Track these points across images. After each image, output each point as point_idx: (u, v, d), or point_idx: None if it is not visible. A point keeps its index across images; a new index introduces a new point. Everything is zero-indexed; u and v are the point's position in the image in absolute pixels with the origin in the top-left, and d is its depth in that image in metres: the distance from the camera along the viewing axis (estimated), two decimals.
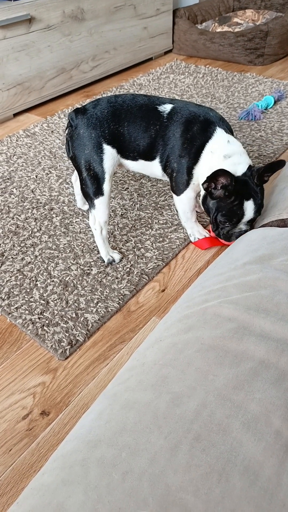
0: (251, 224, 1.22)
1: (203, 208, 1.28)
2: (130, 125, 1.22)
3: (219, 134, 1.21)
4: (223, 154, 1.19)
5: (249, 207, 1.17)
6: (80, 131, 1.21)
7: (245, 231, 1.21)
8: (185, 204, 1.33)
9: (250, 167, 1.18)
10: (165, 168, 1.29)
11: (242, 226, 1.22)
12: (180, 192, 1.30)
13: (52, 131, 2.12)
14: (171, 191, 1.34)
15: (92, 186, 1.23)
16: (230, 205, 1.17)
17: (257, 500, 0.45)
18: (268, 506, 0.44)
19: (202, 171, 1.23)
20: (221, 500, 0.45)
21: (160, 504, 0.46)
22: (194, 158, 1.23)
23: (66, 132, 1.26)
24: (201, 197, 1.27)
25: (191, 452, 0.49)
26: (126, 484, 0.48)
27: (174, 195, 1.34)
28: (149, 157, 1.27)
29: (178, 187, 1.29)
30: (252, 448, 0.49)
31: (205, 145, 1.22)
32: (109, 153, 1.22)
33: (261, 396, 0.54)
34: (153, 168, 1.30)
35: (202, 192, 1.25)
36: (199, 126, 1.21)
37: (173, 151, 1.23)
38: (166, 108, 1.23)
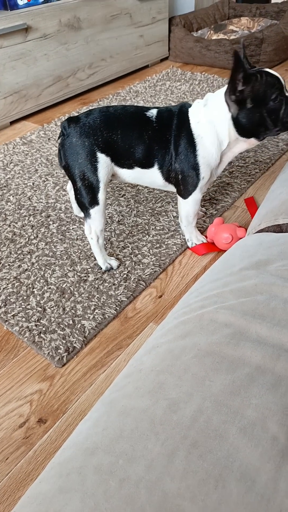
0: None
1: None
2: (123, 132, 1.22)
3: (193, 107, 1.25)
4: (203, 104, 1.24)
5: (274, 73, 1.16)
6: (73, 140, 1.21)
7: None
8: (191, 207, 1.33)
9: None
10: (168, 175, 1.28)
11: None
12: (188, 194, 1.30)
13: (48, 139, 2.13)
14: (178, 195, 1.34)
15: (87, 196, 1.23)
16: (262, 82, 1.14)
17: (253, 506, 0.45)
18: None
19: (206, 147, 1.23)
20: (217, 506, 0.45)
21: (157, 511, 0.45)
22: (190, 143, 1.23)
23: (58, 141, 1.26)
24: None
25: (188, 459, 0.49)
26: (123, 491, 0.48)
27: (180, 199, 1.33)
28: (146, 164, 1.26)
29: (186, 189, 1.29)
30: (248, 454, 0.49)
31: (190, 125, 1.23)
32: (103, 162, 1.22)
33: (258, 401, 0.54)
34: (152, 176, 1.29)
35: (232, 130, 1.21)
36: (178, 117, 1.24)
37: (170, 152, 1.24)
38: (153, 112, 1.26)
